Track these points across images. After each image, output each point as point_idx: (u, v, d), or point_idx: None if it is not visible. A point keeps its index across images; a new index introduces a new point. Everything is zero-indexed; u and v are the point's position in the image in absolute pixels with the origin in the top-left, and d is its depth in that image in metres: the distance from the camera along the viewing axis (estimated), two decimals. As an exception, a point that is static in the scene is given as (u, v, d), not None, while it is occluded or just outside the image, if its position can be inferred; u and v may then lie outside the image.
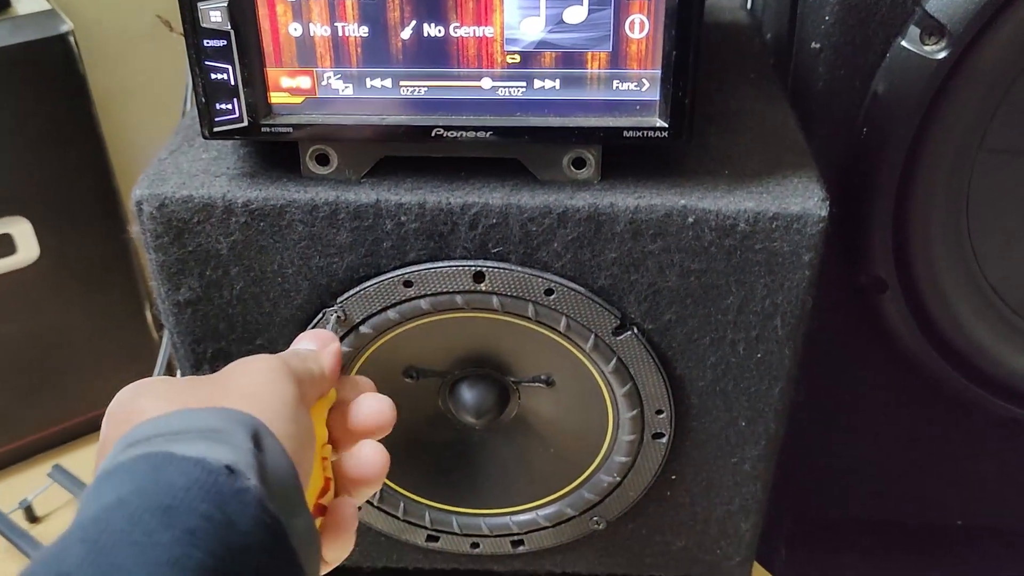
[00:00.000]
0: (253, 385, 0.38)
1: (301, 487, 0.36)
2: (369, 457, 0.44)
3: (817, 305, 0.58)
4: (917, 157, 0.61)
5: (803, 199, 0.53)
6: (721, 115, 0.61)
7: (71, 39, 0.77)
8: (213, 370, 0.60)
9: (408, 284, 0.55)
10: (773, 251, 0.53)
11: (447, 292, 0.56)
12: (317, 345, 0.46)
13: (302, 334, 0.48)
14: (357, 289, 0.56)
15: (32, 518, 0.84)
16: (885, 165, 0.62)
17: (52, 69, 0.77)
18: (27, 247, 0.81)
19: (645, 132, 0.51)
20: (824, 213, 0.52)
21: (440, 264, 0.55)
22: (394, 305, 0.56)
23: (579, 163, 0.54)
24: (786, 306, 0.55)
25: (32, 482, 0.87)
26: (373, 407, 0.46)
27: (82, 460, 0.90)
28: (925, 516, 0.81)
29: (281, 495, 0.34)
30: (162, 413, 0.35)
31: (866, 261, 0.66)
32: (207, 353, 0.60)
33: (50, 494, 0.86)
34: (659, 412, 0.60)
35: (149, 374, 0.74)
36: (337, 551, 0.43)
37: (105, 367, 0.89)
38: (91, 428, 0.93)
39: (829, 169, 0.59)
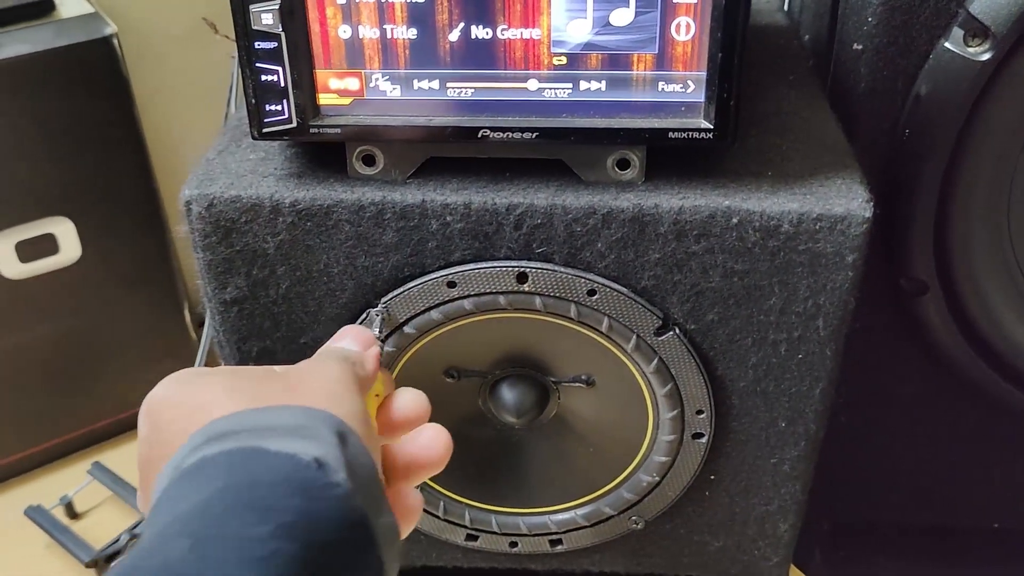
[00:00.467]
0: (330, 387, 0.39)
1: (383, 485, 0.37)
2: (431, 440, 0.44)
3: (856, 307, 0.58)
4: (959, 159, 0.61)
5: (847, 200, 0.53)
6: (762, 117, 0.61)
7: (114, 41, 0.78)
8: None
9: (452, 285, 0.56)
10: (816, 252, 0.53)
11: (490, 293, 0.56)
12: (359, 347, 0.47)
13: (345, 329, 0.49)
14: (401, 289, 0.56)
15: (72, 514, 0.86)
16: (927, 167, 0.62)
17: (95, 71, 0.78)
18: (69, 247, 0.82)
19: (690, 133, 0.52)
20: (868, 214, 0.52)
21: (484, 265, 0.55)
22: (438, 305, 0.57)
23: (623, 164, 0.54)
24: (829, 307, 0.55)
25: (72, 479, 0.88)
26: (411, 399, 0.47)
27: (121, 457, 0.91)
28: (963, 519, 0.81)
29: (366, 492, 0.34)
30: (237, 409, 0.36)
31: (907, 263, 0.66)
32: (252, 352, 0.60)
33: (90, 491, 0.87)
34: (699, 412, 0.60)
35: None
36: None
37: (144, 366, 0.90)
38: (130, 426, 0.94)
39: (870, 171, 0.59)
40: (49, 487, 0.88)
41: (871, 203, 0.53)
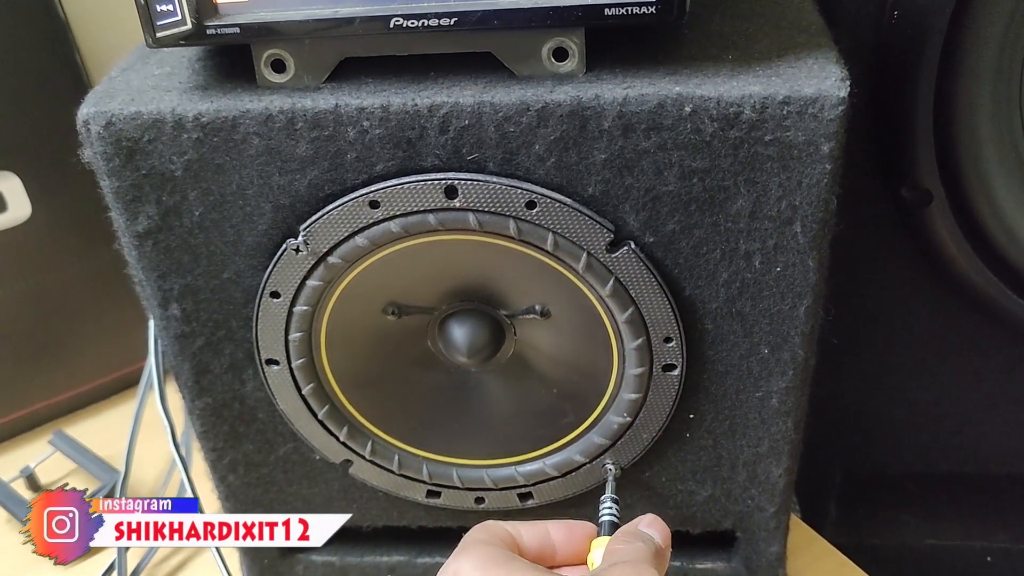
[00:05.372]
0: None
1: None
2: None
3: (852, 225, 0.51)
4: (959, 43, 0.53)
5: (819, 80, 0.46)
6: (725, 1, 0.54)
7: (48, -20, 0.74)
8: (183, 311, 0.55)
9: (375, 205, 0.50)
10: (786, 142, 0.46)
11: (418, 211, 0.50)
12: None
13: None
14: (320, 214, 0.50)
15: (35, 487, 0.81)
16: (922, 54, 0.54)
17: (29, 13, 0.73)
18: (18, 205, 0.78)
19: (630, 9, 0.45)
20: (844, 94, 0.45)
21: (407, 180, 0.49)
22: (362, 230, 0.51)
23: (561, 54, 0.48)
24: (806, 208, 0.48)
25: (36, 453, 0.84)
26: None
27: (86, 429, 0.87)
28: (991, 466, 0.73)
29: None
30: None
31: (906, 171, 0.58)
32: (174, 290, 0.55)
33: (54, 463, 0.83)
34: (668, 340, 0.53)
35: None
36: None
37: (108, 331, 0.86)
38: (97, 397, 0.89)
39: (855, 64, 0.51)
40: (11, 463, 0.83)
41: (847, 82, 0.45)
